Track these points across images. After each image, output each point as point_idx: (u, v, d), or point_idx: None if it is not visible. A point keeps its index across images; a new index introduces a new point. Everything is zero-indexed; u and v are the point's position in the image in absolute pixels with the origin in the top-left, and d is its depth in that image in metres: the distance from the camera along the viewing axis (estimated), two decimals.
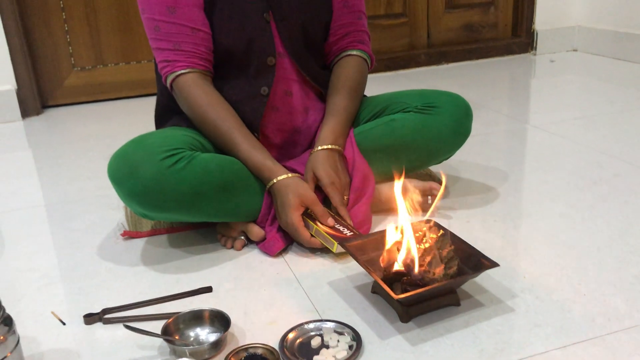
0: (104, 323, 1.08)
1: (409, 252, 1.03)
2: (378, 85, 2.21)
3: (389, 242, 1.07)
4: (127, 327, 0.96)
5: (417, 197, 1.37)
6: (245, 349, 0.97)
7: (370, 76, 1.50)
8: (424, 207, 1.39)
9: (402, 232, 1.06)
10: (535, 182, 1.59)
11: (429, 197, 1.40)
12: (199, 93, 1.30)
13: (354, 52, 1.46)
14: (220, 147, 1.32)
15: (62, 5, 2.54)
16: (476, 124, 1.48)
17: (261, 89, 1.36)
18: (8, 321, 0.89)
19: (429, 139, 1.39)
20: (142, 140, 1.23)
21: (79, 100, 2.67)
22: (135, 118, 2.38)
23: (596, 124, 2.01)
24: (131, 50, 2.67)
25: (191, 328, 1.02)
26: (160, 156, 1.17)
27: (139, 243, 1.38)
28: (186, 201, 1.19)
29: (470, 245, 1.10)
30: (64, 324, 1.09)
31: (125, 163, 1.18)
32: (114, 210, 1.55)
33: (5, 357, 0.86)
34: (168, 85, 1.33)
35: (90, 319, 1.08)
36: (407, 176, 1.44)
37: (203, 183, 1.20)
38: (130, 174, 1.17)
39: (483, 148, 1.85)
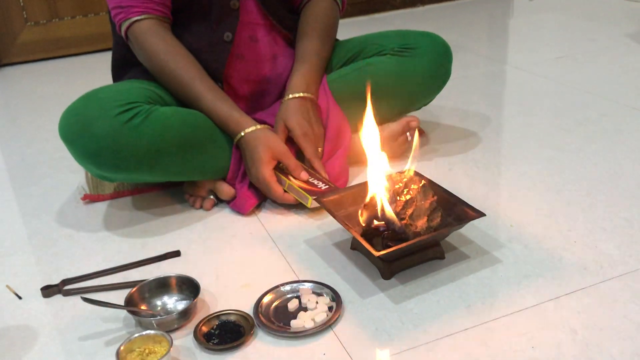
0: (64, 295, 1.00)
1: (386, 205, 0.96)
2: (353, 30, 2.10)
3: (368, 196, 1.00)
4: (86, 299, 0.88)
5: (395, 142, 1.31)
6: (217, 316, 0.90)
7: (344, 21, 1.41)
8: (406, 149, 1.31)
9: (379, 184, 0.98)
10: (518, 125, 1.52)
11: (408, 134, 1.32)
12: (156, 41, 1.19)
13: None
14: (182, 99, 1.22)
15: None
16: (455, 67, 1.40)
17: (224, 34, 1.25)
18: None
19: (407, 83, 1.31)
20: (95, 94, 1.12)
21: (35, 57, 2.52)
22: (97, 74, 2.24)
23: (578, 63, 1.93)
24: (88, 2, 2.51)
25: (158, 297, 0.95)
26: (115, 111, 1.08)
27: (101, 207, 1.29)
28: (146, 159, 1.10)
29: (453, 194, 1.03)
30: (20, 298, 1.01)
31: (77, 120, 1.08)
32: (74, 172, 1.45)
33: None
34: (123, 33, 1.22)
35: (48, 291, 1.00)
36: (381, 123, 1.37)
37: (163, 139, 1.10)
38: (82, 132, 1.07)
39: (463, 92, 1.77)
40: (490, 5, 2.89)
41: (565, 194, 1.18)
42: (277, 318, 0.90)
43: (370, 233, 1.00)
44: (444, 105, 1.67)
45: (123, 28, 1.20)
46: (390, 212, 0.95)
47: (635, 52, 1.99)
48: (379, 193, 0.97)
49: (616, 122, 1.48)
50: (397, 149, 1.34)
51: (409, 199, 0.96)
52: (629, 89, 1.68)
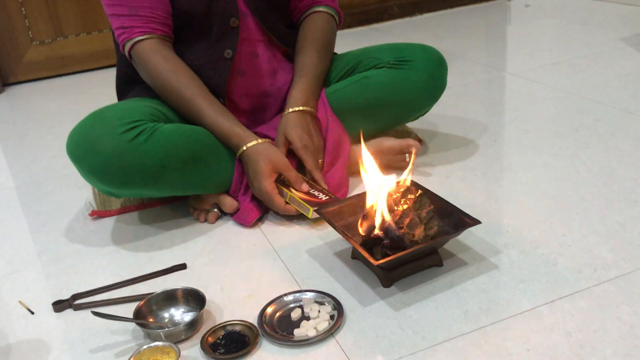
0: (75, 309, 1.03)
1: (384, 214, 0.99)
2: (352, 40, 2.14)
3: (367, 206, 1.03)
4: (96, 313, 0.91)
5: (393, 156, 1.34)
6: (223, 326, 0.93)
7: (343, 32, 1.44)
8: (402, 166, 1.34)
9: (377, 195, 1.01)
10: (515, 132, 1.55)
11: (407, 155, 1.35)
12: (159, 60, 1.23)
13: (321, 9, 1.39)
14: (185, 115, 1.26)
15: None
16: (453, 75, 1.43)
17: (225, 51, 1.29)
18: None
19: (404, 95, 1.34)
20: (101, 113, 1.16)
21: (41, 75, 2.57)
22: (102, 91, 2.28)
23: (574, 68, 1.96)
24: (91, 20, 2.55)
25: (165, 309, 0.98)
26: (120, 129, 1.11)
27: (109, 222, 1.32)
28: (151, 175, 1.13)
29: (450, 203, 1.06)
30: (32, 313, 1.04)
31: (84, 139, 1.12)
32: (81, 189, 1.49)
33: None
34: (126, 53, 1.25)
35: (59, 306, 1.03)
36: (383, 134, 1.40)
37: (168, 155, 1.14)
38: (89, 151, 1.11)
39: (460, 100, 1.80)
40: (487, 13, 2.92)
41: (560, 199, 1.20)
42: (281, 327, 0.93)
43: (369, 242, 1.03)
44: (442, 113, 1.70)
45: (126, 48, 1.24)
46: (388, 218, 0.98)
47: (629, 56, 2.02)
48: (380, 203, 1.00)
49: (610, 127, 1.50)
50: (394, 163, 1.36)
51: (406, 208, 0.99)
52: (623, 93, 1.70)
